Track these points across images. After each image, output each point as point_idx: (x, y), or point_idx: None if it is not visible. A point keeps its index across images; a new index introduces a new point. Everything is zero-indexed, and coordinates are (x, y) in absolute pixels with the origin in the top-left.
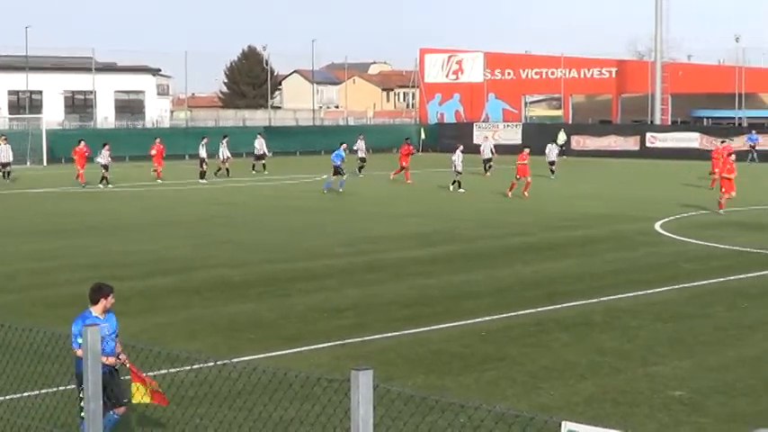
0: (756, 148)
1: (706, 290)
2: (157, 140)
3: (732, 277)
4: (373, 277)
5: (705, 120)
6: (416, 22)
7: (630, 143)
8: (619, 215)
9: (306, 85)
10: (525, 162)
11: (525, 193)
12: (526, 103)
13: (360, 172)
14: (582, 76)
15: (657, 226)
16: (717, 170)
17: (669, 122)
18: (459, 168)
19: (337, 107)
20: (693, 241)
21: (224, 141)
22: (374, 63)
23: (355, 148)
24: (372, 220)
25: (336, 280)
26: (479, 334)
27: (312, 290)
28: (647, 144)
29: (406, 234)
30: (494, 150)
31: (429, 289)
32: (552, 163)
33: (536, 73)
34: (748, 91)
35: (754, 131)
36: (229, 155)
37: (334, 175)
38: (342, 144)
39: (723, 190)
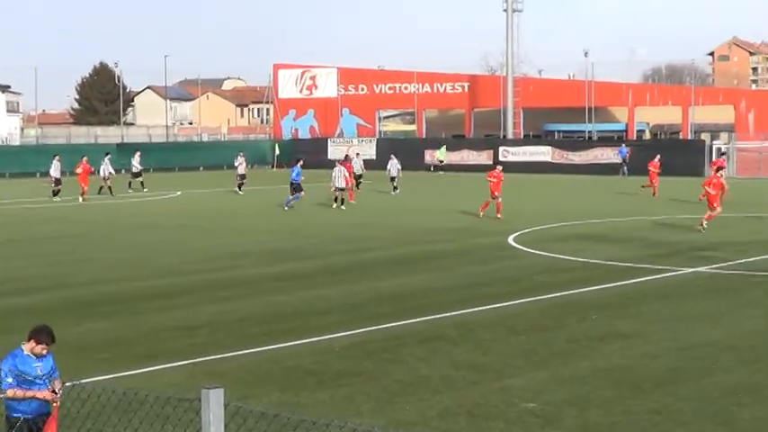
0: (626, 161)
1: (558, 302)
2: (84, 159)
3: (583, 289)
4: (227, 294)
5: (556, 133)
6: (270, 37)
7: (484, 157)
8: (473, 229)
9: (159, 101)
10: (498, 180)
11: (498, 214)
12: (380, 118)
13: (240, 189)
14: (435, 90)
15: (511, 239)
16: (654, 183)
17: (521, 136)
18: (340, 184)
19: (191, 123)
20: (545, 254)
21: (106, 159)
22: (228, 79)
23: (236, 164)
24: (228, 237)
25: (191, 297)
26: (334, 350)
27: (166, 307)
28: (500, 158)
29: (261, 250)
30: (363, 166)
31: (283, 305)
32: (393, 179)
33: (389, 88)
34: (598, 105)
35: (624, 145)
36: (112, 171)
37: (293, 192)
38: (299, 161)
39: (713, 204)
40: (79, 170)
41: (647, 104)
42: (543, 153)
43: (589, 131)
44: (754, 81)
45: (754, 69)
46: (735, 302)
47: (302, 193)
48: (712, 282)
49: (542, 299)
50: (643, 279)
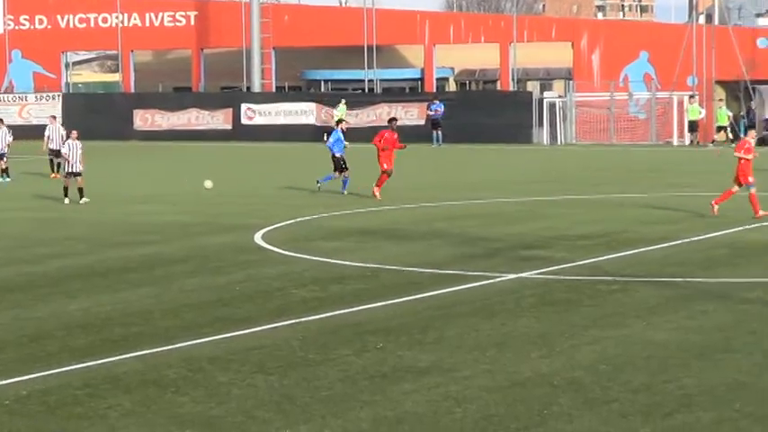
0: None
1: (326, 326)
2: None
3: (362, 307)
4: None
5: (323, 84)
6: None
7: (220, 120)
8: (203, 224)
9: None
10: (749, 157)
11: (760, 212)
12: (68, 64)
13: (6, 175)
14: (148, 23)
15: (258, 237)
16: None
17: (273, 89)
18: (77, 169)
19: None
20: (308, 257)
21: None
22: None
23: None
24: None
25: None
26: (2, 403)
27: None
28: (244, 121)
29: None
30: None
31: None
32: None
33: (81, 20)
34: (382, 43)
35: (437, 100)
36: None
37: (335, 170)
38: (339, 121)
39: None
40: None
41: (450, 42)
42: (305, 112)
43: (370, 81)
44: (601, 8)
45: None
46: (576, 321)
47: (346, 173)
48: (545, 292)
49: (303, 322)
50: (449, 290)
